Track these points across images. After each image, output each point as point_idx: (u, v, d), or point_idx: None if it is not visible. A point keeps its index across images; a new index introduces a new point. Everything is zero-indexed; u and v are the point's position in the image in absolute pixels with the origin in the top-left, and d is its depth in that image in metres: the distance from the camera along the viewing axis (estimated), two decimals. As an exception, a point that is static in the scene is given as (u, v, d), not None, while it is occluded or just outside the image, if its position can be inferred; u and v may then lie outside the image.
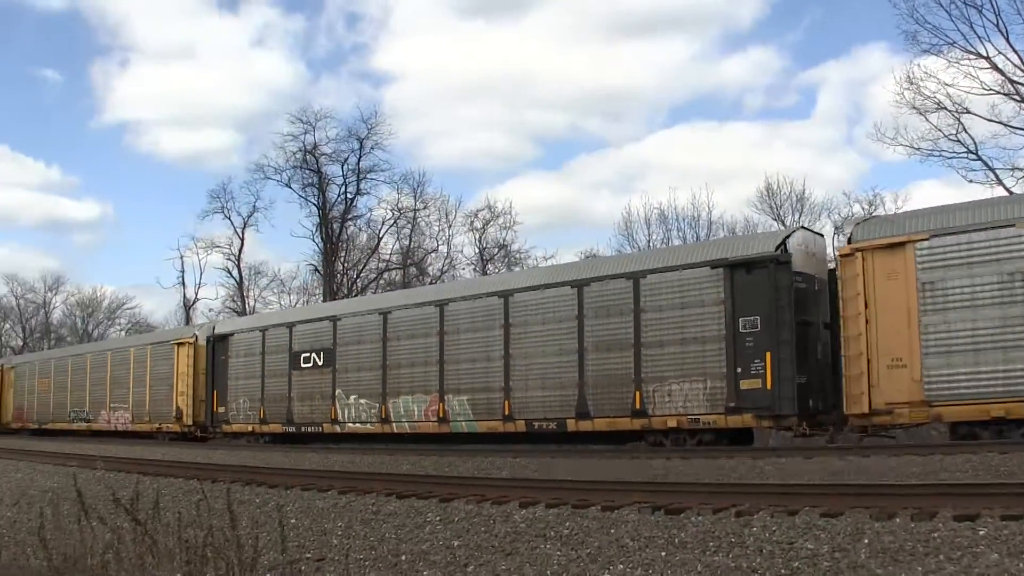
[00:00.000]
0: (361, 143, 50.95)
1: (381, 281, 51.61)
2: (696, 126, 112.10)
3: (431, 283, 48.50)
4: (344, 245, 52.62)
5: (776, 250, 19.07)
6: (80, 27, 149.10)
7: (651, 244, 46.68)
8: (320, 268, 52.52)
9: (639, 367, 20.42)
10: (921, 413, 16.91)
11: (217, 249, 57.85)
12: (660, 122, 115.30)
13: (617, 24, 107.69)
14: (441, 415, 24.12)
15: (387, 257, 52.87)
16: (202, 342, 32.69)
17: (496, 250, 50.11)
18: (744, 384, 18.82)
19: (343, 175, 51.75)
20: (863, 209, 41.19)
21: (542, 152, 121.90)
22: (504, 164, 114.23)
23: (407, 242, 52.23)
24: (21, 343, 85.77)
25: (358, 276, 51.85)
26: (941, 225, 17.04)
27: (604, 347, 21.15)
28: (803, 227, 23.61)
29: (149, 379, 35.19)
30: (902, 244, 17.26)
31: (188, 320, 59.11)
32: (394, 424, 25.56)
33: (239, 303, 56.81)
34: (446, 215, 52.10)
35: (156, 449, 25.57)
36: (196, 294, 61.50)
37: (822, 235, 21.13)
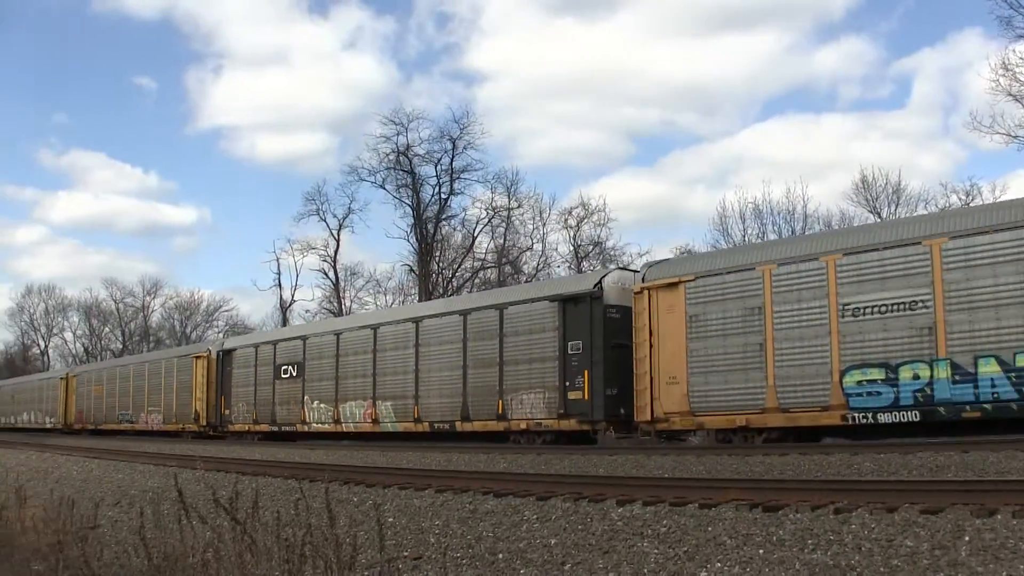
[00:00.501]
0: (454, 143, 51.31)
1: (476, 280, 51.80)
2: (790, 119, 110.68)
3: (525, 281, 48.62)
4: (439, 245, 52.97)
5: (594, 287, 23.13)
6: (174, 35, 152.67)
7: (746, 239, 46.20)
8: (415, 268, 52.91)
9: (502, 380, 24.73)
10: (688, 421, 20.62)
11: (313, 251, 58.76)
12: (754, 115, 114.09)
13: (708, 17, 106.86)
14: (374, 418, 28.93)
15: (482, 256, 53.14)
16: (214, 356, 38.29)
17: (591, 247, 50.00)
18: (570, 395, 22.93)
19: (437, 175, 52.16)
20: (960, 200, 40.27)
21: (636, 148, 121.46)
22: (597, 161, 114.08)
23: (502, 241, 52.34)
24: (121, 346, 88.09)
25: (453, 276, 52.18)
26: (705, 268, 21.00)
27: (480, 364, 25.46)
28: (620, 267, 30.73)
29: (176, 387, 41.01)
30: (676, 283, 21.07)
31: (285, 322, 60.02)
32: (343, 425, 30.45)
33: (335, 304, 57.56)
34: (540, 213, 52.17)
35: (253, 449, 26.12)
36: (292, 296, 62.61)
37: (637, 271, 23.47)
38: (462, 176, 51.76)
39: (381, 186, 53.02)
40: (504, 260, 51.52)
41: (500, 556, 9.23)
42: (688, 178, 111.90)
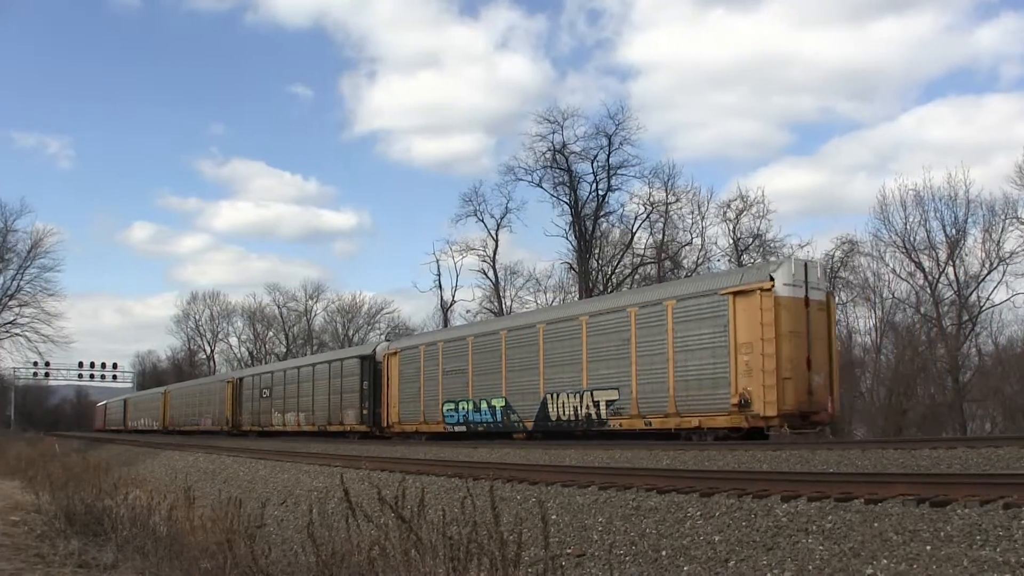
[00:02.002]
0: (609, 139, 51.18)
1: (635, 276, 51.62)
2: (951, 101, 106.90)
3: (685, 275, 48.44)
4: (597, 242, 52.94)
5: (371, 352, 40.26)
6: (326, 43, 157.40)
7: (908, 227, 44.93)
8: (575, 266, 53.04)
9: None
10: (411, 427, 34.95)
11: (472, 251, 59.48)
12: (913, 99, 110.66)
13: (861, 1, 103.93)
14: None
15: (641, 252, 52.84)
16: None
17: (751, 240, 49.20)
18: (364, 411, 39.56)
19: (593, 172, 52.12)
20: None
21: (793, 137, 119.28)
22: (755, 152, 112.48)
23: (660, 236, 51.99)
24: (284, 350, 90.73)
25: (612, 272, 52.06)
26: (402, 347, 37.30)
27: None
28: (387, 340, 45.35)
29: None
30: (396, 353, 36.83)
31: (446, 323, 60.98)
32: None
33: (496, 304, 58.14)
34: (698, 207, 51.56)
35: (417, 449, 26.60)
36: (453, 296, 63.44)
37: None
38: (619, 172, 51.66)
39: (538, 185, 53.37)
40: (663, 255, 51.14)
41: (663, 553, 9.33)
42: (848, 166, 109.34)
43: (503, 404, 29.51)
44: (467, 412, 31.37)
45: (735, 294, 22.00)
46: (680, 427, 23.01)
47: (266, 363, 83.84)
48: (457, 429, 31.91)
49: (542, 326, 28.41)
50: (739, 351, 21.64)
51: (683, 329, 23.08)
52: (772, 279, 21.58)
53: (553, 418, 27.25)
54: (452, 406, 32.20)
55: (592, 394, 25.73)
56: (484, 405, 30.49)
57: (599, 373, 25.58)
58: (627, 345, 24.64)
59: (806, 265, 22.52)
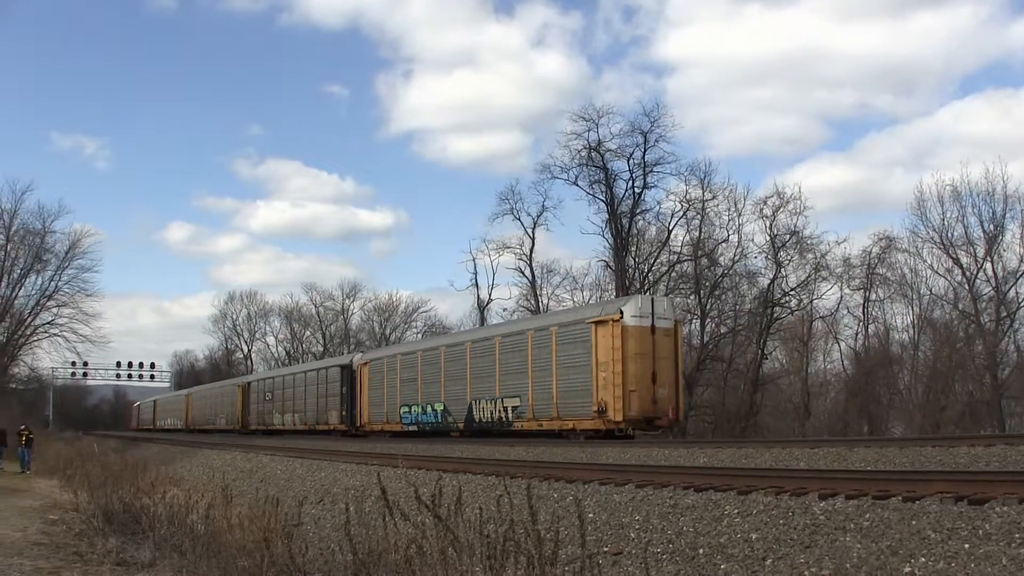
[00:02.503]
0: (645, 137, 50.89)
1: (672, 274, 51.45)
2: (988, 95, 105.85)
3: (721, 273, 48.43)
4: (634, 239, 52.70)
5: (348, 362, 45.17)
6: (362, 43, 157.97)
7: (945, 223, 44.59)
8: (611, 263, 52.90)
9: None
10: (378, 427, 39.97)
11: (508, 250, 59.21)
12: (951, 93, 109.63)
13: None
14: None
15: (677, 249, 52.60)
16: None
17: (788, 237, 48.88)
18: (343, 413, 44.09)
19: (629, 170, 51.80)
20: None
21: (831, 133, 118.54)
22: (792, 148, 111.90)
23: (697, 233, 51.73)
24: (322, 349, 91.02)
25: (649, 270, 51.85)
26: (370, 358, 42.94)
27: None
28: (360, 351, 51.88)
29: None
30: (366, 363, 42.19)
31: (483, 321, 61.02)
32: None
33: (532, 302, 58.02)
34: (735, 204, 51.19)
35: (454, 447, 26.65)
36: (490, 295, 63.23)
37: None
38: (655, 169, 51.36)
39: (574, 183, 53.11)
40: (700, 252, 50.90)
41: (700, 551, 9.31)
42: (885, 161, 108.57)
43: (443, 408, 34.99)
44: (417, 414, 36.96)
45: (596, 323, 27.20)
46: (562, 428, 28.15)
47: (276, 367, 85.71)
48: (410, 428, 37.27)
49: (469, 344, 34.14)
50: (599, 368, 26.70)
51: (563, 350, 28.38)
52: (622, 312, 26.68)
53: (477, 420, 32.54)
54: (407, 409, 37.69)
55: (503, 400, 31.10)
56: (429, 409, 35.99)
57: (507, 384, 31.00)
58: (525, 362, 30.06)
59: (652, 300, 28.00)
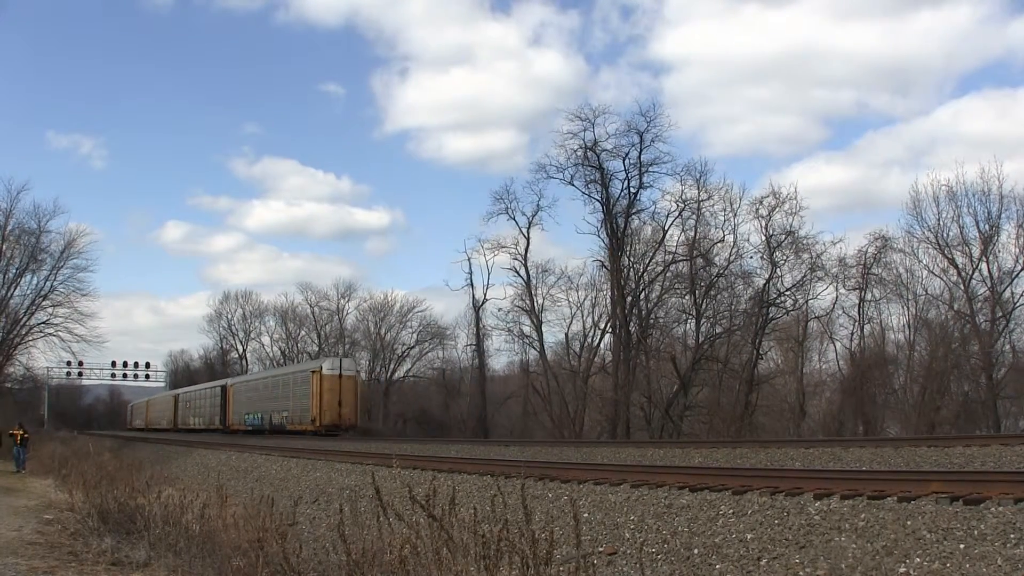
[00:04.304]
0: (641, 137, 50.78)
1: (668, 274, 51.39)
2: (986, 95, 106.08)
3: (716, 273, 48.47)
4: (630, 239, 52.56)
5: (224, 384, 73.84)
6: (358, 41, 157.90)
7: (941, 223, 44.59)
8: (607, 263, 52.79)
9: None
10: (235, 427, 66.83)
11: (503, 249, 58.87)
12: (949, 92, 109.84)
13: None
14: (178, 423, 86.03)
15: (673, 249, 52.50)
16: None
17: (783, 237, 48.80)
18: (220, 416, 71.17)
19: (625, 170, 51.61)
20: None
21: (828, 132, 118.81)
22: (789, 147, 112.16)
23: (692, 233, 51.62)
24: (316, 348, 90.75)
25: (644, 270, 51.75)
26: (233, 383, 71.88)
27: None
28: (231, 377, 78.71)
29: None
30: (232, 385, 71.30)
31: (478, 321, 61.04)
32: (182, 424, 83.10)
33: (527, 302, 57.87)
34: (731, 204, 51.08)
35: (450, 447, 26.62)
36: (484, 295, 62.89)
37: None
38: (651, 169, 51.23)
39: (570, 183, 52.94)
40: (695, 252, 50.81)
41: (695, 551, 9.30)
42: (882, 160, 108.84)
43: (260, 416, 61.08)
44: (251, 419, 62.89)
45: (312, 371, 52.81)
46: (302, 429, 51.58)
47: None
48: (248, 428, 62.66)
49: (269, 379, 63.31)
50: (313, 396, 51.22)
51: (299, 387, 54.33)
52: (321, 367, 52.46)
53: (274, 423, 57.51)
54: (247, 415, 63.82)
55: (281, 412, 56.55)
56: (255, 416, 62.18)
57: (281, 403, 57.03)
58: (288, 392, 56.23)
59: (342, 360, 55.18)
